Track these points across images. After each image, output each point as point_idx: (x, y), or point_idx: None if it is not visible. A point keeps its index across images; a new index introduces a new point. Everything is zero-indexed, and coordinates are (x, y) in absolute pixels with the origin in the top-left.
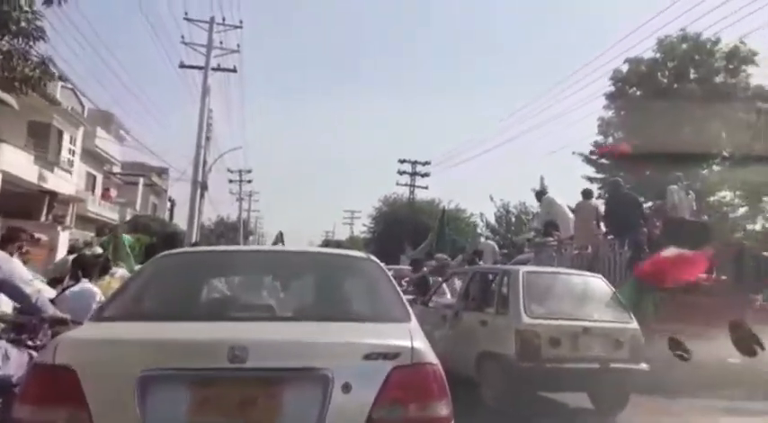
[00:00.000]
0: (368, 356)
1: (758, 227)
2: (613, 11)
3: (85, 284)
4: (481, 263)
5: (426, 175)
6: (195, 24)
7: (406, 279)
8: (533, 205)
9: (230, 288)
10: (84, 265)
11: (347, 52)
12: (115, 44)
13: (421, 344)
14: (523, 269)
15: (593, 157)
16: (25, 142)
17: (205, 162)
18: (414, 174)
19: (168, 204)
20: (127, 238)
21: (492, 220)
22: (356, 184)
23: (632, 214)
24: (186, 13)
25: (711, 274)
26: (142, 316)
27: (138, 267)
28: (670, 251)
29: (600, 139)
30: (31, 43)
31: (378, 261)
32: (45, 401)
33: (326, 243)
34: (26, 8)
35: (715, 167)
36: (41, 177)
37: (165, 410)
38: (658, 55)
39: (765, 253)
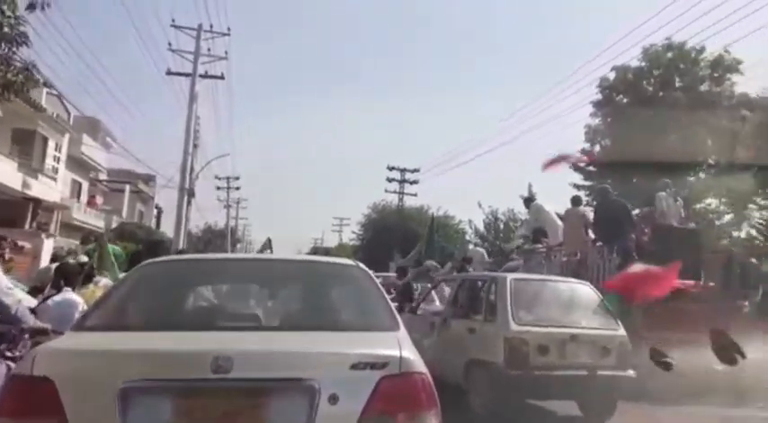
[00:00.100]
0: (355, 366)
1: (743, 234)
2: (600, 20)
3: (68, 293)
4: (470, 269)
5: (415, 182)
6: (182, 31)
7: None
8: (522, 212)
9: (216, 297)
10: (67, 274)
11: (335, 61)
12: (101, 51)
13: (410, 353)
14: (511, 276)
15: (581, 165)
16: (9, 149)
17: (192, 169)
18: (402, 181)
19: (155, 212)
20: (114, 247)
21: (481, 227)
22: (345, 192)
23: (621, 221)
24: (173, 20)
25: (699, 281)
26: (125, 326)
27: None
28: (637, 267)
29: (587, 146)
30: (15, 49)
31: (366, 269)
32: (22, 414)
33: (315, 250)
34: (9, 13)
35: (701, 175)
36: (25, 185)
37: None
38: (644, 63)
39: (753, 260)
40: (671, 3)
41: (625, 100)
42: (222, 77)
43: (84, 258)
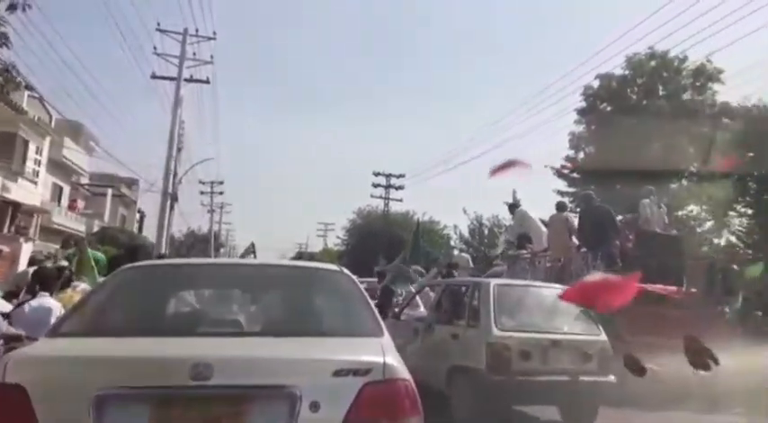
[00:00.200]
0: (338, 373)
1: (723, 241)
2: (585, 29)
3: (44, 298)
4: (456, 275)
5: (401, 187)
6: (168, 35)
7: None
8: (506, 218)
9: (196, 302)
10: (45, 278)
11: (321, 65)
12: (85, 54)
13: (393, 359)
14: (494, 282)
15: (565, 172)
16: None
17: (176, 173)
18: (388, 186)
19: (137, 216)
20: (95, 253)
21: (465, 233)
22: (330, 197)
23: (605, 227)
24: (159, 24)
25: (682, 288)
26: (101, 331)
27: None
28: (597, 276)
29: (571, 153)
30: None
31: (350, 274)
32: None
33: (300, 255)
34: None
35: (683, 182)
36: (5, 188)
37: None
38: (627, 72)
39: (734, 266)
40: (655, 12)
41: (609, 108)
42: (208, 82)
43: (65, 263)
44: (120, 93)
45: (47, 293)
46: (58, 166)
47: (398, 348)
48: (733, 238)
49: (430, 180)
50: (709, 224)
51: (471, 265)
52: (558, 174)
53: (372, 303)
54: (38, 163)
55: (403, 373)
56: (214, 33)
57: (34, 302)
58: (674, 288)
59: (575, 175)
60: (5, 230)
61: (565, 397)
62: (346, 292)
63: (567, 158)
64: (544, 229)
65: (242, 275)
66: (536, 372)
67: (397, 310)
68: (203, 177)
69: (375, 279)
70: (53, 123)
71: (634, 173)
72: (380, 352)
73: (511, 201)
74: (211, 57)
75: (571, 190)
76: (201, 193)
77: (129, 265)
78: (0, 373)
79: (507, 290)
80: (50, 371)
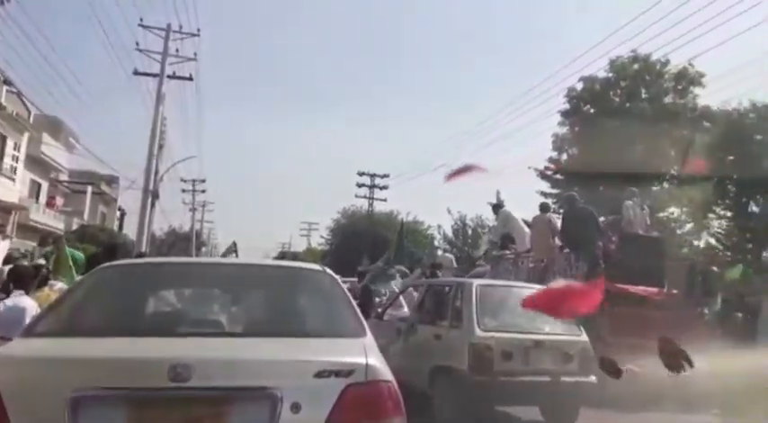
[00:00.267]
0: (319, 374)
1: (702, 243)
2: (568, 32)
3: (20, 297)
4: (440, 275)
5: (385, 187)
6: (151, 31)
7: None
8: (490, 218)
9: (176, 302)
10: (20, 277)
11: (307, 63)
12: (65, 49)
13: (376, 360)
14: (477, 282)
15: (548, 173)
16: None
17: (157, 171)
18: (372, 186)
19: (118, 214)
20: (74, 252)
21: (449, 233)
22: (314, 196)
23: (588, 228)
24: (141, 20)
25: (663, 289)
26: (78, 331)
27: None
28: (560, 283)
29: (554, 154)
30: None
31: (332, 274)
32: None
33: (283, 255)
34: None
35: (665, 184)
36: None
37: None
38: (610, 74)
39: (714, 268)
40: (638, 16)
41: (592, 110)
42: (191, 79)
43: (42, 261)
44: (101, 89)
45: (22, 292)
46: (37, 163)
47: (381, 349)
48: (712, 241)
49: (414, 180)
50: (689, 226)
51: (455, 265)
52: (542, 175)
53: (355, 303)
54: (15, 159)
55: (386, 374)
56: (198, 30)
57: (9, 302)
58: (655, 289)
59: (558, 176)
60: None
61: (546, 397)
62: (329, 292)
63: (551, 160)
64: (527, 229)
65: (223, 275)
66: (518, 372)
67: (380, 310)
68: (185, 175)
69: (356, 279)
70: (31, 119)
71: (617, 175)
72: (363, 353)
73: (495, 201)
74: (195, 54)
75: (554, 191)
76: (183, 191)
77: (108, 263)
78: None
79: (490, 290)
80: (24, 372)
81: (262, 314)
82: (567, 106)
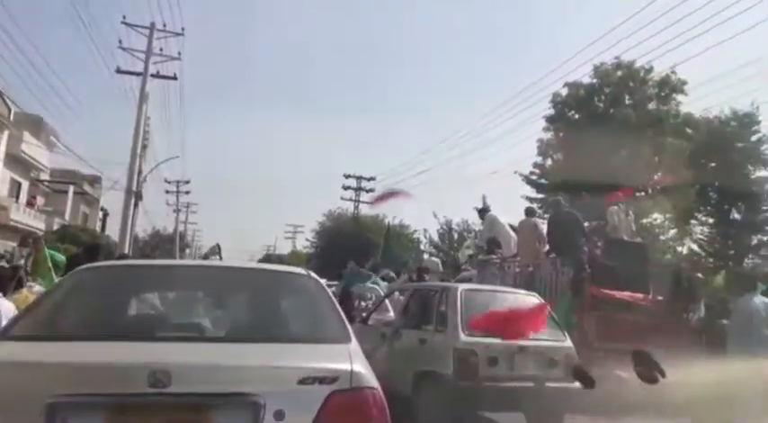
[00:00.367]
0: (303, 381)
1: (685, 249)
2: (552, 37)
3: None
4: (428, 279)
5: (371, 190)
6: (134, 29)
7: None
8: (476, 223)
9: (157, 305)
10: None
11: (292, 66)
12: (47, 46)
13: (361, 367)
14: (462, 287)
15: (533, 178)
16: None
17: (140, 171)
18: (359, 189)
19: (100, 214)
20: (55, 254)
21: (435, 237)
22: (299, 198)
23: (573, 233)
24: (124, 17)
25: (648, 295)
26: (55, 335)
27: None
28: (504, 307)
29: (539, 159)
30: None
31: (317, 278)
32: None
33: (268, 258)
34: None
35: (648, 191)
36: None
37: None
38: (595, 80)
39: (699, 275)
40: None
41: (577, 116)
42: (175, 78)
43: (22, 262)
44: (83, 87)
45: (0, 294)
46: (17, 161)
47: (366, 354)
48: (695, 247)
49: (400, 183)
50: (672, 232)
51: (441, 269)
52: (527, 180)
53: (340, 308)
54: None
55: (371, 381)
56: (182, 29)
57: None
58: (640, 295)
59: (543, 181)
60: None
61: (531, 403)
62: (313, 296)
63: (536, 165)
64: (513, 234)
65: (206, 278)
66: (503, 378)
67: (365, 314)
68: (169, 176)
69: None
70: (12, 117)
71: (601, 180)
72: (348, 359)
73: (481, 206)
74: (179, 53)
75: (539, 196)
76: (167, 192)
77: (87, 265)
78: None
79: (475, 295)
80: None
81: (245, 318)
82: (551, 112)
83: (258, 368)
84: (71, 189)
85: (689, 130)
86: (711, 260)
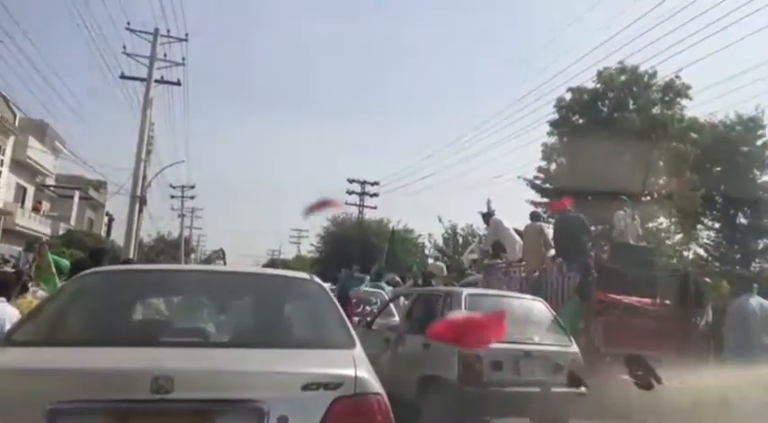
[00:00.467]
0: (307, 387)
1: (691, 254)
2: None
3: (1, 305)
4: (434, 284)
5: (375, 195)
6: (138, 35)
7: (354, 300)
8: (480, 227)
9: (160, 311)
10: (2, 283)
11: (296, 71)
12: (51, 52)
13: (365, 372)
14: (466, 291)
15: (537, 182)
16: None
17: (145, 176)
18: (363, 193)
19: (106, 219)
20: (60, 259)
21: (440, 242)
22: (304, 203)
23: (580, 236)
24: (128, 23)
25: (656, 299)
26: (57, 341)
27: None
28: (461, 314)
29: (543, 164)
30: None
31: (321, 282)
32: None
33: (272, 262)
34: None
35: (654, 195)
36: None
37: None
38: (599, 85)
39: (706, 279)
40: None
41: (581, 120)
42: (179, 84)
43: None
44: (87, 93)
45: (4, 299)
46: (22, 167)
47: (370, 359)
48: (701, 251)
49: (405, 188)
50: (677, 237)
51: (445, 273)
52: (531, 184)
53: (344, 313)
54: (0, 163)
55: (375, 386)
56: (186, 35)
57: None
58: (648, 300)
59: (547, 185)
60: None
61: (536, 408)
62: (317, 301)
63: (540, 169)
64: (518, 238)
65: (209, 283)
66: (508, 383)
67: (369, 318)
68: (174, 182)
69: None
70: (17, 122)
71: (605, 184)
72: (352, 364)
73: (485, 210)
74: (183, 58)
75: (544, 200)
76: (172, 197)
77: (90, 270)
78: None
79: (479, 300)
80: (0, 383)
81: (248, 324)
82: (555, 116)
83: (262, 374)
84: (76, 194)
85: (694, 135)
86: (717, 264)
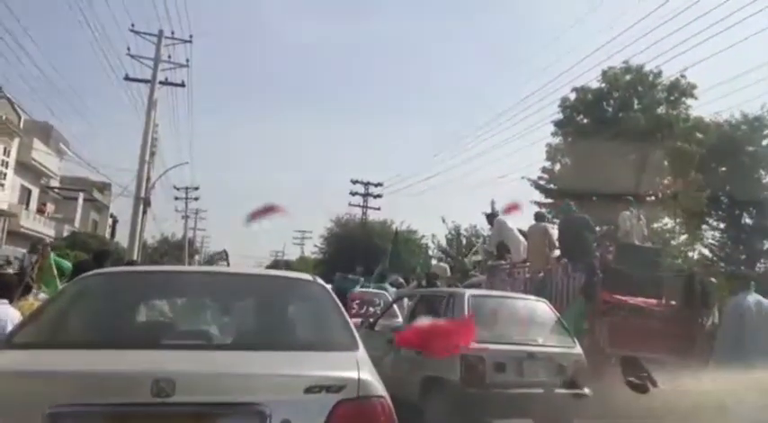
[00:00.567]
0: (310, 390)
1: (696, 254)
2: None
3: (3, 307)
4: (439, 285)
5: (379, 196)
6: (142, 37)
7: (357, 302)
8: (484, 228)
9: (162, 312)
10: (4, 285)
11: (299, 72)
12: (56, 54)
13: (368, 375)
14: (469, 292)
15: (542, 183)
16: None
17: (149, 178)
18: (366, 195)
19: (110, 221)
20: (62, 261)
21: (443, 243)
22: (307, 204)
23: (585, 237)
24: (133, 25)
25: (661, 300)
26: (57, 343)
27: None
28: (427, 321)
29: (548, 164)
30: None
31: (324, 284)
32: None
33: (275, 264)
34: None
35: (659, 195)
36: None
37: None
38: (603, 85)
39: (712, 279)
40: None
41: (585, 120)
42: (183, 85)
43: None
44: (92, 95)
45: (6, 301)
46: (27, 169)
47: (373, 360)
48: (706, 252)
49: (408, 188)
50: (683, 237)
51: (449, 274)
52: (535, 185)
53: (347, 314)
54: (5, 164)
55: (379, 389)
56: (190, 36)
57: None
58: (653, 301)
59: (551, 186)
60: None
61: (539, 410)
62: (320, 302)
63: (544, 170)
64: (522, 239)
65: (212, 284)
66: (511, 384)
67: (372, 320)
68: (178, 183)
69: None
70: (21, 124)
71: (610, 184)
72: (355, 367)
73: (489, 210)
74: (187, 60)
75: (548, 201)
76: (176, 198)
77: (92, 271)
78: None
79: (482, 301)
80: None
81: (250, 326)
82: (560, 116)
83: (264, 377)
84: (81, 196)
85: (699, 135)
86: (723, 265)
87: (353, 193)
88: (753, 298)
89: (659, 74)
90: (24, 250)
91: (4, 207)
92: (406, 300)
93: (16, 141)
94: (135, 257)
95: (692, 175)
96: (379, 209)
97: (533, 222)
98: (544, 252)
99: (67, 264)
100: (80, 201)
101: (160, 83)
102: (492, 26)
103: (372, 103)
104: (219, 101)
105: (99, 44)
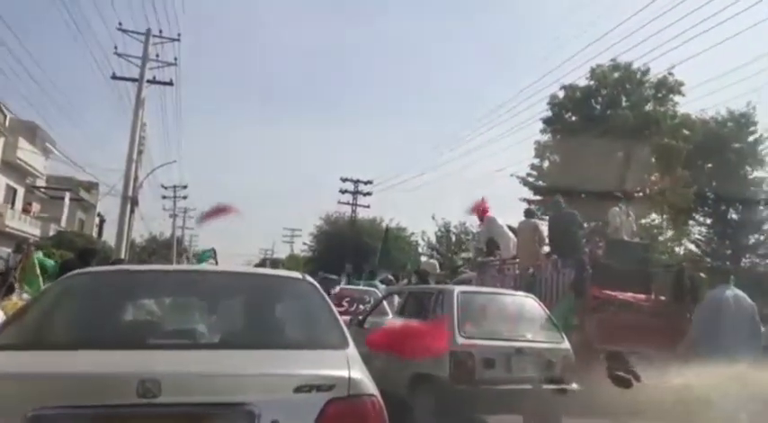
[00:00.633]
0: (299, 389)
1: (682, 250)
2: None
3: None
4: (430, 282)
5: (368, 193)
6: (130, 35)
7: (347, 300)
8: (474, 225)
9: (148, 312)
10: None
11: (288, 71)
12: (41, 53)
13: (359, 373)
14: (458, 289)
15: (530, 180)
16: None
17: (137, 177)
18: (356, 192)
19: (97, 220)
20: (45, 259)
21: (433, 240)
22: (296, 202)
23: (574, 233)
24: (120, 24)
25: (650, 295)
26: (40, 344)
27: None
28: (399, 323)
29: (536, 161)
30: None
31: (313, 282)
32: None
33: (263, 262)
34: None
35: (647, 191)
36: None
37: None
38: (591, 82)
39: (701, 274)
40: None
41: (574, 117)
42: (171, 84)
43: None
44: (78, 93)
45: None
46: (12, 168)
47: (362, 357)
48: (693, 247)
49: (398, 186)
50: (669, 233)
51: (438, 270)
52: (524, 182)
53: (337, 313)
54: None
55: (369, 388)
56: (178, 35)
57: None
58: (642, 296)
59: (540, 183)
60: None
61: (528, 406)
62: (310, 301)
63: (533, 167)
64: (512, 236)
65: (200, 283)
66: (500, 380)
67: (361, 317)
68: (166, 182)
69: (344, 287)
70: (7, 123)
71: (598, 181)
72: (345, 365)
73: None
74: (175, 59)
75: (536, 198)
76: (164, 197)
77: (77, 271)
78: None
79: (471, 297)
80: None
81: (239, 325)
82: (548, 114)
83: (252, 376)
84: (67, 195)
85: (686, 132)
86: (709, 260)
87: (343, 191)
88: (731, 292)
89: (647, 71)
90: (9, 250)
91: None
92: (396, 297)
93: (1, 141)
94: (123, 256)
95: (678, 172)
96: (368, 207)
97: (523, 218)
98: (534, 248)
99: (51, 262)
100: (66, 200)
101: (148, 81)
102: (492, 26)
103: (371, 103)
104: (212, 100)
105: (86, 42)
